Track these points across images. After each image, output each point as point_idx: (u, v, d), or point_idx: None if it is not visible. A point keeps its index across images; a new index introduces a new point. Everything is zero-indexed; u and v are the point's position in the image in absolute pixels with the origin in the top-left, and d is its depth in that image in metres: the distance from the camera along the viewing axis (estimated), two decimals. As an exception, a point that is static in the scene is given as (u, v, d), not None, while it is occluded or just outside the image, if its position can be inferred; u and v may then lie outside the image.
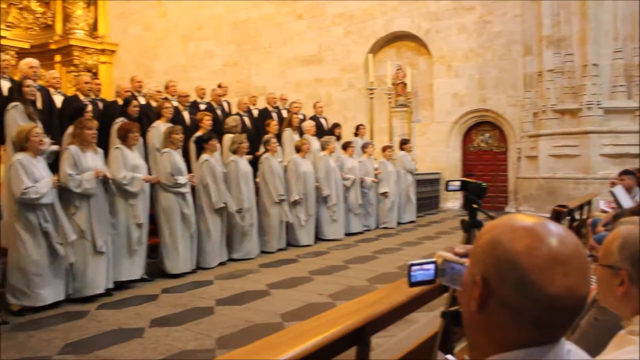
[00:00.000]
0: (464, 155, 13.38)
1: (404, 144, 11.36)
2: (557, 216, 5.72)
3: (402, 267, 6.67)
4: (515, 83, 12.15)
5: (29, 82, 5.80)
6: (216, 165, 6.98)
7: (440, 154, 13.28)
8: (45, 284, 4.94)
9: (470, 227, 2.66)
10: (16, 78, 7.16)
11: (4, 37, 14.44)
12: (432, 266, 1.27)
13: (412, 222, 10.95)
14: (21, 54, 14.55)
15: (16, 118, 5.50)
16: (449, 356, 1.31)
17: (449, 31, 12.97)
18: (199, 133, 7.47)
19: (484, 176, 12.15)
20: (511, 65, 12.22)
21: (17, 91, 5.63)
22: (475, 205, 2.68)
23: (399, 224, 10.63)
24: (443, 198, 13.31)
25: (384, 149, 10.79)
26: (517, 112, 12.13)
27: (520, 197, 11.94)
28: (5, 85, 6.46)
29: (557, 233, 0.90)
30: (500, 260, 0.90)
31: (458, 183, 2.81)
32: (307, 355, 1.78)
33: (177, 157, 6.48)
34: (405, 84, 13.43)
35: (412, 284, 1.30)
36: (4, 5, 15.70)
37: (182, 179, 6.39)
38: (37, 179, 4.87)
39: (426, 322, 4.32)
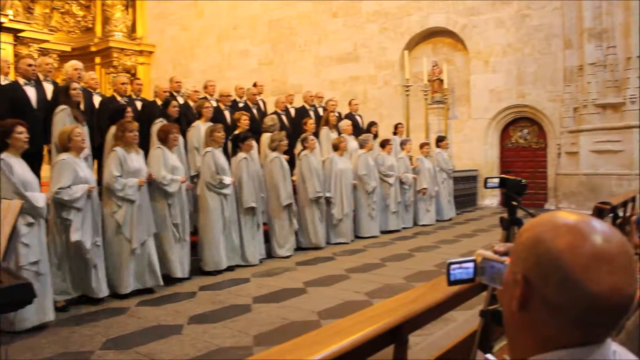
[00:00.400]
0: (502, 152, 13.17)
1: (440, 141, 11.25)
2: (599, 213, 5.57)
3: (439, 265, 6.62)
4: (555, 78, 11.89)
5: (75, 84, 5.94)
6: (251, 164, 7.03)
7: (477, 150, 13.10)
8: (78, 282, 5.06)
9: (510, 224, 2.62)
10: (58, 80, 7.34)
11: (47, 41, 14.82)
12: (471, 265, 1.25)
13: (449, 219, 10.84)
14: (63, 56, 14.92)
15: (64, 121, 5.64)
16: (488, 355, 1.29)
17: (486, 26, 12.78)
18: (236, 132, 7.54)
19: (523, 173, 11.90)
20: (550, 59, 11.97)
21: (64, 94, 5.76)
22: (514, 203, 2.63)
23: (437, 221, 10.56)
24: (480, 195, 13.14)
25: (421, 145, 10.73)
26: (557, 108, 11.88)
27: (560, 194, 11.69)
28: (49, 88, 6.63)
29: (601, 230, 0.88)
30: (542, 258, 0.88)
31: (497, 180, 2.77)
32: (344, 354, 1.78)
33: (220, 156, 6.56)
34: (441, 81, 13.28)
35: (451, 283, 1.29)
36: (46, 10, 16.14)
37: (227, 180, 6.47)
38: (81, 178, 4.98)
39: (464, 320, 4.28)
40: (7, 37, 12.88)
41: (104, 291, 5.22)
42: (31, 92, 6.39)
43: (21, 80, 6.42)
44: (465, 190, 12.38)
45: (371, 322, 2.02)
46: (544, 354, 0.88)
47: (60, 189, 4.84)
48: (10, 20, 12.90)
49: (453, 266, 1.27)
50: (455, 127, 13.47)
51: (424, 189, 10.18)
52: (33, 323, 4.40)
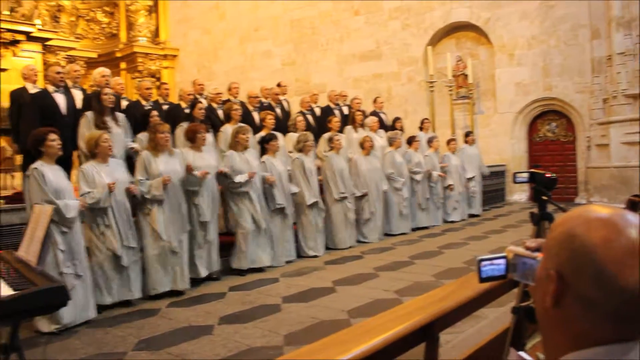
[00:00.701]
0: (530, 146, 12.99)
1: (467, 136, 11.16)
2: (632, 206, 5.44)
3: (469, 262, 6.56)
4: (583, 69, 11.68)
5: (107, 90, 6.03)
6: (274, 165, 7.04)
7: (504, 145, 12.94)
8: (112, 284, 5.14)
9: (540, 219, 2.58)
10: (86, 87, 7.46)
11: (74, 49, 15.08)
12: (502, 261, 1.24)
13: (477, 215, 10.73)
14: (90, 63, 15.18)
15: (87, 126, 5.74)
16: (521, 353, 1.27)
17: (509, 19, 12.61)
18: (262, 133, 7.57)
19: (551, 167, 11.74)
20: (577, 50, 11.76)
21: (96, 100, 5.85)
22: (544, 197, 2.59)
23: (471, 215, 10.53)
24: (509, 190, 12.98)
25: (448, 142, 10.65)
26: (586, 99, 11.67)
27: (591, 187, 11.48)
28: (77, 94, 6.74)
29: (636, 224, 0.86)
30: (575, 253, 0.86)
31: (526, 174, 2.73)
32: (375, 352, 1.78)
33: (237, 158, 6.56)
34: (466, 75, 13.15)
35: (483, 280, 1.28)
36: (72, 18, 16.42)
37: (239, 178, 6.41)
38: (97, 183, 5.04)
39: (495, 318, 4.23)
40: (36, 46, 13.14)
41: (137, 293, 5.31)
42: (60, 99, 6.51)
43: (50, 88, 6.54)
44: (493, 185, 12.25)
45: (402, 320, 2.02)
46: (579, 351, 0.86)
47: (80, 195, 4.93)
48: (38, 29, 13.15)
49: (484, 263, 1.26)
50: (482, 122, 13.33)
51: (450, 185, 10.10)
52: (76, 322, 4.55)
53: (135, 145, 6.36)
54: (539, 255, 1.03)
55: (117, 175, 5.23)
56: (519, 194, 12.83)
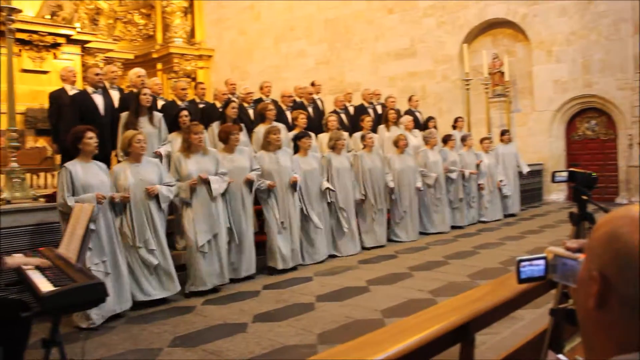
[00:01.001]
0: (568, 145, 12.71)
1: (502, 135, 10.99)
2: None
3: (505, 262, 6.46)
4: (624, 65, 11.37)
5: (146, 90, 6.13)
6: (307, 163, 7.02)
7: (542, 144, 12.69)
8: (150, 281, 5.23)
9: (580, 219, 2.51)
10: (123, 87, 7.60)
11: (112, 50, 15.38)
12: (542, 262, 1.21)
13: (513, 215, 10.56)
14: (126, 64, 15.44)
15: (121, 126, 5.85)
16: (560, 356, 1.24)
17: (547, 14, 12.35)
18: (294, 132, 7.59)
19: (591, 166, 11.45)
20: (619, 45, 11.44)
21: (134, 100, 5.95)
22: (584, 197, 2.53)
23: (508, 215, 10.39)
24: (546, 190, 12.74)
25: (481, 140, 10.50)
26: (628, 96, 11.35)
27: (633, 186, 11.18)
28: (115, 95, 6.87)
29: (681, 224, 0.83)
30: (619, 254, 0.84)
31: (565, 174, 2.66)
32: (410, 352, 1.76)
33: (266, 159, 6.57)
34: (502, 73, 12.94)
35: (522, 280, 1.25)
36: (110, 21, 16.74)
37: (262, 184, 6.41)
38: (122, 185, 5.12)
39: (532, 319, 4.16)
40: (75, 49, 13.45)
41: (167, 292, 5.39)
42: (99, 100, 6.65)
43: (89, 89, 6.69)
44: (530, 185, 12.03)
45: (437, 320, 2.00)
46: (623, 355, 0.83)
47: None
48: (78, 32, 13.46)
49: (523, 264, 1.23)
50: (519, 121, 13.10)
51: (481, 184, 9.96)
52: (113, 312, 4.66)
53: (159, 150, 6.41)
54: (580, 256, 1.00)
55: (144, 174, 5.27)
56: (557, 194, 12.58)
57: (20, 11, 6.30)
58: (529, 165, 11.88)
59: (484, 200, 10.03)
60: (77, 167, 4.63)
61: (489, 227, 9.49)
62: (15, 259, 3.40)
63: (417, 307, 4.62)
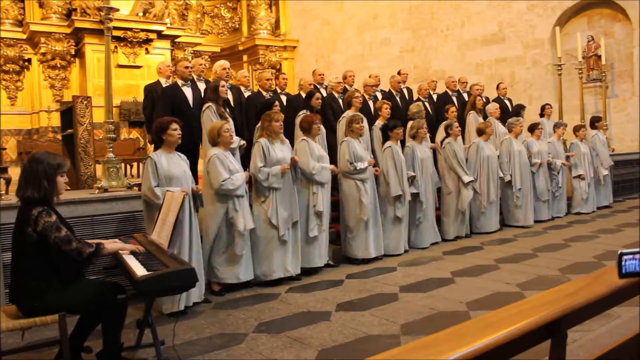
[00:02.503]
0: (673, 132, 11.87)
1: (595, 122, 10.42)
2: None
3: (599, 256, 6.16)
4: None
5: (222, 82, 6.29)
6: (399, 153, 6.99)
7: (642, 131, 11.91)
8: (234, 267, 5.37)
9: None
10: (210, 79, 7.82)
11: (200, 44, 15.88)
12: (646, 256, 1.13)
13: (608, 207, 10.01)
14: (213, 57, 15.89)
15: (210, 117, 6.00)
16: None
17: (650, -8, 11.54)
18: (379, 121, 7.54)
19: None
20: None
21: (212, 91, 6.11)
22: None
23: (601, 207, 9.90)
24: (646, 180, 11.97)
25: (576, 128, 10.01)
26: None
27: None
28: (202, 87, 7.09)
29: None
30: None
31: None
32: (498, 347, 1.71)
33: (357, 145, 6.59)
34: (598, 57, 12.23)
35: (623, 275, 1.18)
36: (198, 15, 17.28)
37: (361, 165, 6.47)
38: (232, 171, 5.28)
39: (630, 317, 3.93)
40: (166, 44, 14.03)
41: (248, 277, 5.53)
42: (188, 92, 6.87)
43: (179, 82, 6.93)
44: (628, 175, 11.35)
45: (527, 314, 1.92)
46: None
47: (223, 181, 5.16)
48: (168, 28, 14.01)
49: (626, 257, 1.16)
50: (616, 107, 12.36)
51: (580, 175, 9.49)
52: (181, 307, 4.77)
53: (243, 142, 6.51)
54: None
55: (239, 165, 5.48)
56: (658, 184, 11.80)
57: (117, 10, 6.61)
58: (627, 154, 11.23)
59: (582, 191, 9.55)
60: (162, 158, 4.78)
61: (581, 219, 9.06)
62: (114, 245, 3.59)
63: (504, 301, 4.48)
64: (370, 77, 9.34)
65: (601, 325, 3.86)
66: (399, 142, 7.13)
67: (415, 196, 7.22)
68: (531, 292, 4.81)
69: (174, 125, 4.83)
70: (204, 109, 6.08)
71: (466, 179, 7.65)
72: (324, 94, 8.23)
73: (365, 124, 6.94)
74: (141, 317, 3.80)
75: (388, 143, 7.00)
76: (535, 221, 8.82)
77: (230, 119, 6.09)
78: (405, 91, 9.71)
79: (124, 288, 3.50)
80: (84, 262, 3.30)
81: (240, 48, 17.53)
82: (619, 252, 1.16)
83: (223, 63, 7.39)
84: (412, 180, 7.15)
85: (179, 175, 4.78)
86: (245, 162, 6.18)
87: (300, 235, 5.94)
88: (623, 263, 1.16)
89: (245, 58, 17.55)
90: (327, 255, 6.34)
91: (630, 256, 1.15)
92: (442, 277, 5.66)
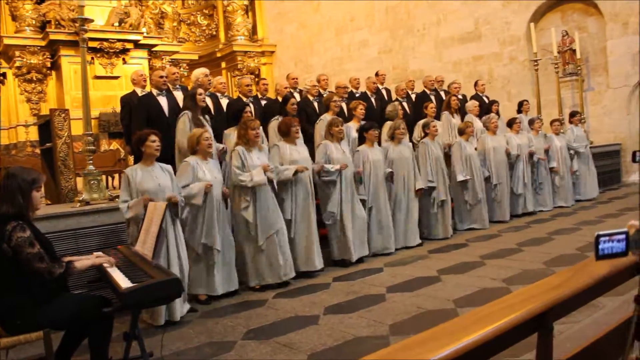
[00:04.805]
0: (648, 122, 12.04)
1: (572, 116, 10.55)
2: None
3: (582, 248, 6.22)
4: None
5: (200, 90, 6.26)
6: (368, 155, 6.95)
7: (619, 122, 12.07)
8: (216, 276, 5.33)
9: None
10: (189, 87, 7.79)
11: (178, 52, 15.82)
12: (623, 237, 1.14)
13: (591, 199, 10.13)
14: (191, 64, 15.84)
15: (186, 124, 5.97)
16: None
17: (621, -15, 11.70)
18: (353, 122, 7.55)
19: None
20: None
21: (190, 99, 6.08)
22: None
23: (578, 201, 9.96)
24: (625, 171, 12.14)
25: (551, 122, 10.13)
26: None
27: None
28: (179, 95, 7.04)
29: None
30: None
31: (648, 152, 2.51)
32: (486, 342, 1.72)
33: (333, 149, 6.56)
34: (573, 51, 12.37)
35: (600, 257, 1.19)
36: (175, 24, 17.21)
37: (329, 167, 6.40)
38: (201, 180, 5.22)
39: (614, 307, 3.97)
40: (143, 53, 13.95)
41: (235, 285, 5.52)
42: (163, 102, 6.82)
43: (154, 91, 6.89)
44: (606, 167, 11.50)
45: (514, 309, 1.94)
46: None
47: (183, 187, 5.12)
48: (144, 37, 13.94)
49: (602, 239, 1.17)
50: (592, 100, 12.52)
51: (552, 167, 9.59)
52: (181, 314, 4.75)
53: (223, 146, 6.50)
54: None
55: (215, 174, 5.43)
56: (637, 175, 11.95)
57: (92, 21, 6.57)
58: (605, 145, 11.37)
59: (558, 185, 9.66)
60: (137, 172, 4.77)
61: (563, 212, 9.15)
62: (84, 262, 3.52)
63: (491, 296, 4.52)
64: (350, 80, 9.39)
65: (587, 316, 3.90)
66: (374, 144, 7.12)
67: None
68: (517, 286, 4.84)
69: (153, 137, 4.80)
70: (180, 116, 6.05)
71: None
72: (298, 99, 8.22)
73: (345, 127, 6.93)
74: (128, 329, 3.76)
75: (363, 146, 7.01)
76: (517, 215, 8.90)
77: (208, 127, 6.05)
78: (383, 92, 9.76)
79: (110, 301, 3.46)
80: (53, 282, 3.24)
81: (218, 55, 17.49)
82: (596, 234, 1.17)
83: (204, 70, 7.37)
84: (391, 177, 7.15)
85: (153, 189, 4.72)
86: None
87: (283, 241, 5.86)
88: (600, 245, 1.17)
89: (223, 65, 17.51)
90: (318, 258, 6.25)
91: (607, 238, 1.16)
92: (428, 275, 5.68)
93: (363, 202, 6.83)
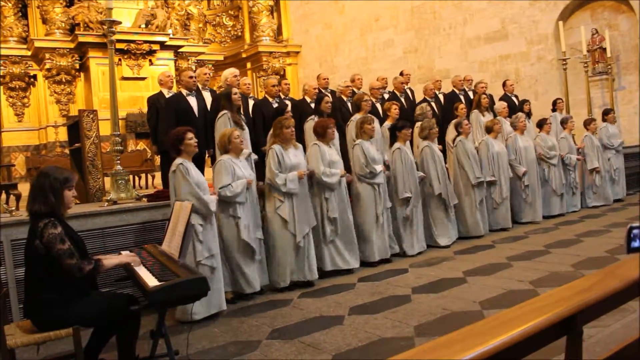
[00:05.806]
0: (681, 122, 11.76)
1: (606, 114, 10.35)
2: None
3: (611, 250, 6.11)
4: None
5: (235, 90, 6.29)
6: (405, 154, 6.97)
7: (651, 122, 11.82)
8: (246, 274, 5.36)
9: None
10: (215, 88, 7.85)
11: (203, 53, 15.96)
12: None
13: (620, 200, 9.93)
14: (217, 65, 15.98)
15: (226, 125, 6.00)
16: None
17: (654, -18, 11.45)
18: (388, 122, 7.53)
19: None
20: None
21: (226, 99, 6.09)
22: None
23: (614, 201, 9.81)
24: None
25: (587, 122, 9.94)
26: None
27: None
28: (207, 96, 7.10)
29: None
30: None
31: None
32: (513, 345, 1.69)
33: (370, 147, 6.59)
34: (603, 49, 12.14)
35: (631, 250, 1.15)
36: (200, 25, 17.37)
37: (378, 168, 6.50)
38: (239, 177, 5.27)
39: (646, 311, 3.88)
40: (169, 54, 14.13)
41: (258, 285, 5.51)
42: (193, 102, 6.89)
43: (184, 91, 6.95)
44: (636, 168, 11.25)
45: (542, 311, 1.90)
46: None
47: (221, 187, 5.17)
48: (170, 38, 14.10)
49: (635, 231, 1.13)
50: (623, 99, 12.27)
51: (595, 168, 9.43)
52: (209, 312, 4.79)
53: (249, 151, 6.52)
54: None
55: (250, 171, 5.50)
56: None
57: (119, 23, 6.65)
58: (637, 146, 11.13)
59: (593, 185, 9.51)
60: (189, 165, 4.84)
61: (592, 213, 8.98)
62: (111, 260, 3.56)
63: (517, 299, 4.46)
64: (377, 79, 9.33)
65: (617, 320, 3.82)
66: (407, 143, 7.11)
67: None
68: (544, 289, 4.78)
69: (190, 135, 4.87)
70: (219, 116, 6.06)
71: (474, 179, 7.60)
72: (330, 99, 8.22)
73: (377, 125, 6.94)
74: (155, 327, 3.80)
75: (397, 144, 6.99)
76: (548, 216, 8.77)
77: (245, 126, 6.11)
78: (408, 92, 9.68)
79: (137, 299, 3.51)
80: (83, 278, 3.28)
81: (244, 55, 17.60)
82: (629, 225, 1.13)
83: (233, 71, 7.41)
84: (422, 180, 7.15)
85: (204, 182, 4.91)
86: (259, 170, 6.20)
87: (313, 240, 5.93)
88: (633, 236, 1.13)
89: (248, 65, 17.62)
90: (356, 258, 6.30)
91: (640, 230, 1.12)
92: (454, 277, 5.63)
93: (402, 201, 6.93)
